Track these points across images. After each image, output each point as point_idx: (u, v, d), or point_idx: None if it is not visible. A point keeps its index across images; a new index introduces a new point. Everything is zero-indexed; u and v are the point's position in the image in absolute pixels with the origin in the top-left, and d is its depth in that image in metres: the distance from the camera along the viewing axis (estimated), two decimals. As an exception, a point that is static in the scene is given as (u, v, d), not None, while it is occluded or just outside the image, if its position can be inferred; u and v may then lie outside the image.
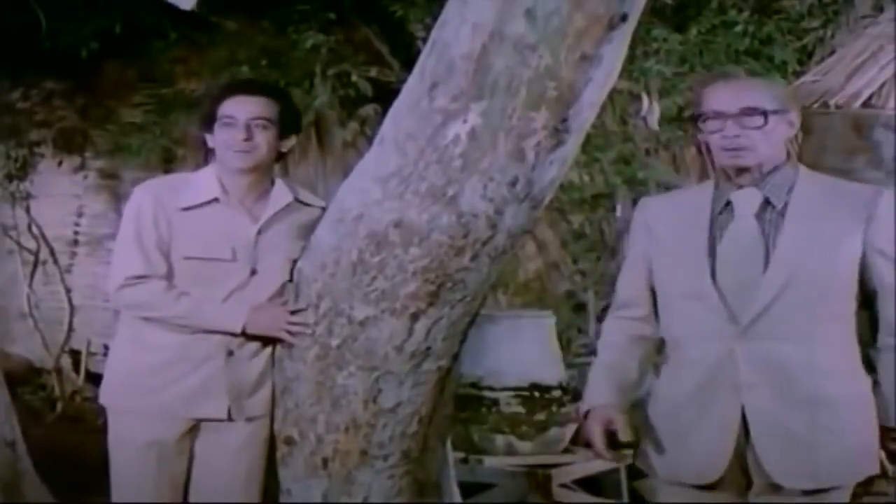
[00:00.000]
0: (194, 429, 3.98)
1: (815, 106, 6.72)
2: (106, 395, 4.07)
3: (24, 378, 8.54)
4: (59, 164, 8.85)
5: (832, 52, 7.47)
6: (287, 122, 4.01)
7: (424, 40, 4.08)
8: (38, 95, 8.57)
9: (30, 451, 5.68)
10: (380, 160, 3.80)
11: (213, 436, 3.98)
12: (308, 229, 4.03)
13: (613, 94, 4.95)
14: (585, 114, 3.81)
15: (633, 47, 3.91)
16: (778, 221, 3.29)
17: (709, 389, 3.36)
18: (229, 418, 3.94)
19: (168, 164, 8.32)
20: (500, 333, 5.96)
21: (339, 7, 7.22)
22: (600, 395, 3.53)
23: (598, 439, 3.42)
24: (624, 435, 3.44)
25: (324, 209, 4.09)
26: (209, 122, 4.01)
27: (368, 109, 7.51)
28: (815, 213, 3.27)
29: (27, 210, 8.84)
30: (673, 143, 7.88)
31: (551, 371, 6.03)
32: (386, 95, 5.55)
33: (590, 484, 6.38)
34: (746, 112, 3.28)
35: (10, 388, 5.99)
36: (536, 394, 6.07)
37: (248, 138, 3.91)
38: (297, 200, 4.06)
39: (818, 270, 3.24)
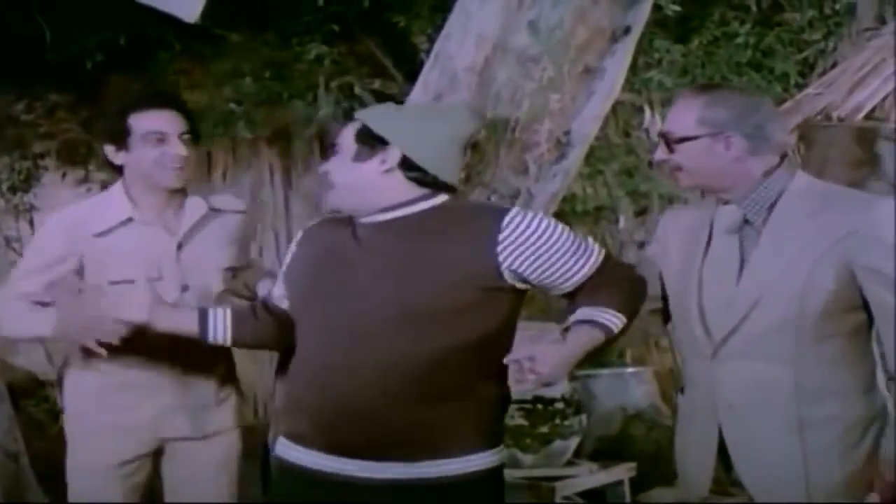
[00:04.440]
0: (159, 450, 3.92)
1: (818, 119, 6.72)
2: (72, 421, 3.95)
3: (28, 390, 8.53)
4: (63, 176, 8.85)
5: (834, 65, 7.48)
6: (195, 134, 3.93)
7: (428, 52, 4.09)
8: (43, 107, 8.57)
9: (33, 463, 5.68)
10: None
11: (180, 456, 3.92)
12: (233, 235, 3.98)
13: (616, 106, 4.97)
14: (588, 126, 3.82)
15: (635, 58, 3.91)
16: (755, 239, 3.20)
17: (695, 408, 3.33)
18: (193, 435, 3.89)
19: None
20: (503, 345, 5.95)
21: (343, 19, 7.22)
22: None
23: None
24: None
25: (241, 212, 4.05)
26: (119, 136, 3.86)
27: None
28: (792, 230, 3.14)
29: (30, 222, 8.83)
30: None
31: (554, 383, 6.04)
32: (389, 107, 5.55)
33: (593, 496, 6.38)
34: (661, 136, 3.27)
35: (14, 400, 6.00)
36: (540, 406, 6.07)
37: (186, 155, 3.82)
38: (212, 209, 3.95)
39: (793, 289, 3.10)
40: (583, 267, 3.23)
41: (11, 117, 8.47)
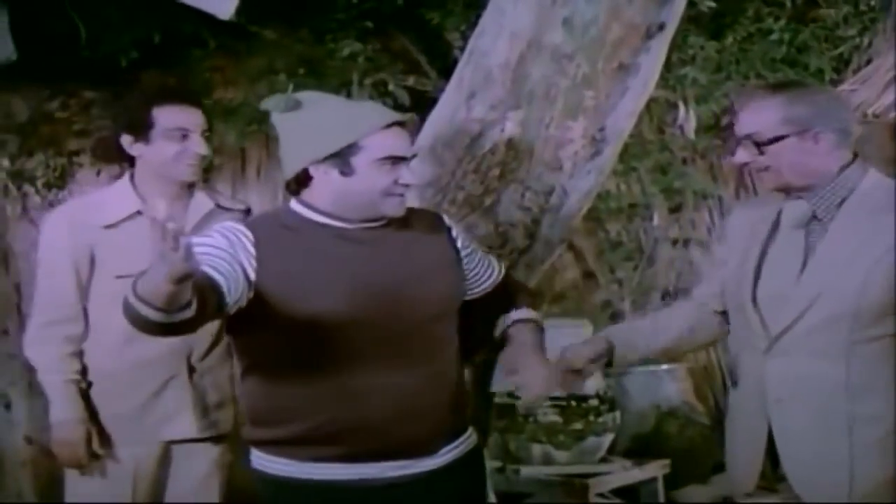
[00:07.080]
0: (165, 456, 3.90)
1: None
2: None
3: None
4: (98, 173, 8.85)
5: (869, 61, 7.43)
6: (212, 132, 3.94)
7: (462, 49, 4.10)
8: (77, 105, 8.58)
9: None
10: (417, 170, 3.80)
11: (183, 462, 3.91)
12: None
13: (650, 103, 4.95)
14: (622, 123, 3.82)
15: (669, 55, 3.91)
16: (822, 235, 3.20)
17: (745, 402, 3.33)
18: (199, 436, 3.88)
19: (206, 172, 8.34)
20: (536, 342, 5.94)
21: (377, 16, 7.22)
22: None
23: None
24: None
25: (245, 212, 4.03)
26: (141, 126, 3.84)
27: (406, 118, 7.50)
28: (856, 228, 3.15)
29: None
30: (710, 151, 7.86)
31: (588, 380, 6.02)
32: (423, 104, 5.55)
33: (627, 493, 6.36)
34: (746, 139, 3.26)
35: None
36: (573, 403, 6.06)
37: (205, 152, 3.83)
38: (219, 206, 3.95)
39: (850, 287, 3.10)
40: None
41: (46, 114, 8.49)
